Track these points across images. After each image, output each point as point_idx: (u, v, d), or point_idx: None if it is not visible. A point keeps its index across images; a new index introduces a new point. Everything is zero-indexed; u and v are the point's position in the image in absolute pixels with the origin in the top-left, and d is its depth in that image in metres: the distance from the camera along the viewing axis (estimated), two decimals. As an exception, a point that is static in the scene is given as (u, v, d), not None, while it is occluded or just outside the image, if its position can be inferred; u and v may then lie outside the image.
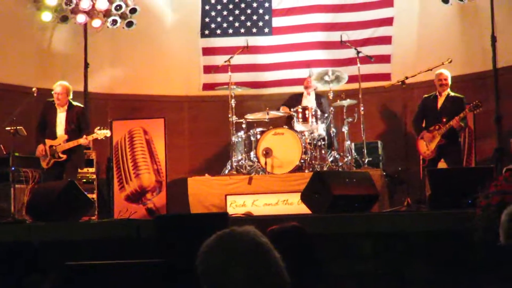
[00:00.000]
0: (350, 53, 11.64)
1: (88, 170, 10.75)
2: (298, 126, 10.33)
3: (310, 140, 10.26)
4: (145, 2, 12.40)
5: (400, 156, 11.52)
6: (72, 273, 5.75)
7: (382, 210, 8.81)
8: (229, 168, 10.39)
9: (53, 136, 9.58)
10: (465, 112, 9.60)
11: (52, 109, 9.69)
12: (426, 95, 10.20)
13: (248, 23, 13.01)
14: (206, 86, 12.85)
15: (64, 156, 9.51)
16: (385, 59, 12.41)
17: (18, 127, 9.18)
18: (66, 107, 9.66)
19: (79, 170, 10.44)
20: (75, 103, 9.82)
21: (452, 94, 9.90)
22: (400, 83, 9.44)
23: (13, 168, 9.27)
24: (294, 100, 11.25)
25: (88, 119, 10.09)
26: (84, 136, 9.56)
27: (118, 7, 11.70)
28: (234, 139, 10.53)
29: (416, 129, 10.14)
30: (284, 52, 12.92)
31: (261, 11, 13.01)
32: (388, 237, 6.69)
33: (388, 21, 12.53)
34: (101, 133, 9.69)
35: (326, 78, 10.68)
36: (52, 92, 9.69)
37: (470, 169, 9.99)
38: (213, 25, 13.06)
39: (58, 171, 9.62)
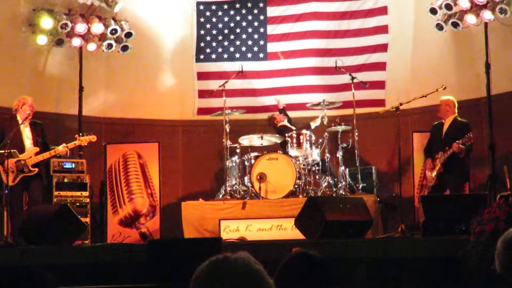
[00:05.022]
0: (344, 79, 11.68)
1: (81, 193, 10.67)
2: (292, 151, 10.33)
3: (304, 165, 10.26)
4: (140, 27, 12.44)
5: (394, 182, 11.51)
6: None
7: (375, 236, 8.78)
8: (223, 193, 10.37)
9: (21, 151, 9.29)
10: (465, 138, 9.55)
11: (13, 125, 9.31)
12: (435, 122, 10.20)
13: (243, 48, 13.05)
14: (201, 111, 12.87)
15: (35, 170, 9.25)
16: (380, 85, 12.45)
17: (12, 150, 9.09)
18: (28, 121, 9.43)
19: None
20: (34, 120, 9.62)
21: (458, 119, 9.91)
22: (394, 109, 9.42)
23: (6, 191, 9.18)
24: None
25: None
26: (63, 144, 9.26)
27: (113, 31, 11.73)
28: (228, 163, 10.52)
29: (425, 158, 10.14)
30: (278, 78, 12.95)
31: (256, 36, 13.05)
32: (381, 263, 6.67)
33: (382, 47, 12.58)
34: (84, 138, 9.41)
35: (320, 105, 10.72)
36: (24, 105, 9.39)
37: (463, 195, 9.96)
38: (208, 50, 13.09)
39: (22, 187, 9.30)
